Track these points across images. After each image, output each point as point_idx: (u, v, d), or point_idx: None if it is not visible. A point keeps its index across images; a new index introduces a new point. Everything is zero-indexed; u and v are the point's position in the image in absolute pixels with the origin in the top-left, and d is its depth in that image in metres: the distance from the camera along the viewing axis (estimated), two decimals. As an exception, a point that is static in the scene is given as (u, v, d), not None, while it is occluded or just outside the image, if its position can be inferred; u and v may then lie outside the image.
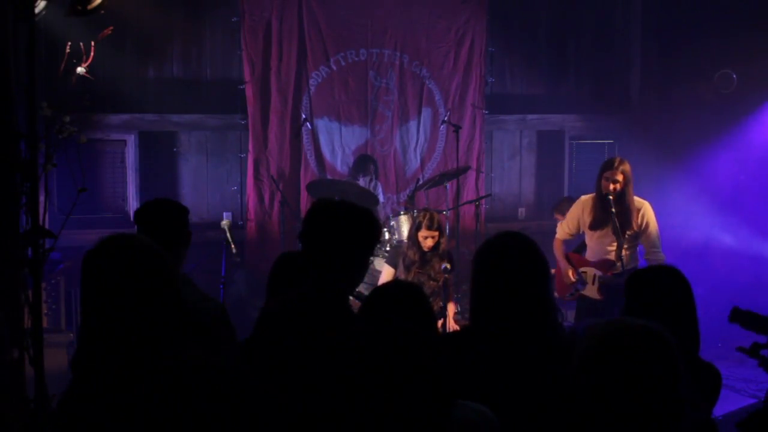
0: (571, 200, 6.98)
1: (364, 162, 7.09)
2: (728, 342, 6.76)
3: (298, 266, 2.96)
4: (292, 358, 2.19)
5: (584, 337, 1.82)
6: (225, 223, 5.66)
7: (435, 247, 5.03)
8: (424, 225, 4.98)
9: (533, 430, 2.22)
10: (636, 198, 5.11)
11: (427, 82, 7.60)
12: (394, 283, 2.25)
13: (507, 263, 2.33)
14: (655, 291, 2.58)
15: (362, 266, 2.40)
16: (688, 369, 1.80)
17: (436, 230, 4.98)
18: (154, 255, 1.82)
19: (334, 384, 1.95)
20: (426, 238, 4.99)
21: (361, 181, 6.97)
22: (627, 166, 5.07)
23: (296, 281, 2.83)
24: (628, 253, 5.11)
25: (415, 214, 5.38)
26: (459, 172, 6.73)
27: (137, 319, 1.74)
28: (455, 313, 5.22)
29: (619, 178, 5.02)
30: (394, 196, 7.53)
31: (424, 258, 5.05)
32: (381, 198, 7.24)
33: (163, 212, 2.99)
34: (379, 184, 7.31)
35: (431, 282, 5.05)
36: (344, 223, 2.33)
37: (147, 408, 1.73)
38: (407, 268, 5.06)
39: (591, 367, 1.75)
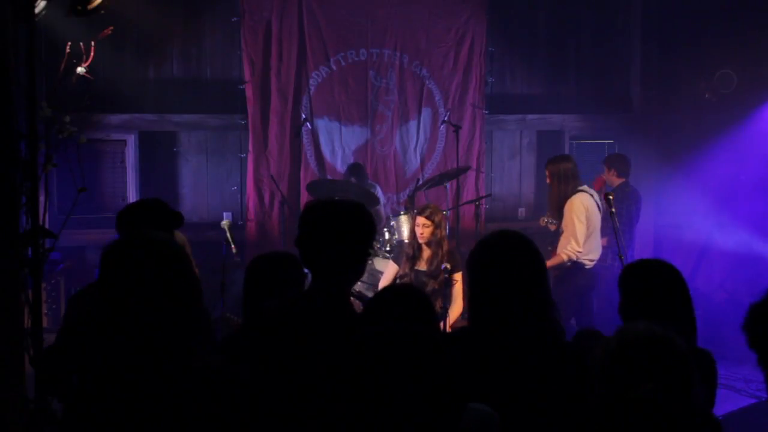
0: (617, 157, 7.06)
1: (359, 169, 7.08)
2: (728, 342, 6.78)
3: (274, 270, 2.98)
4: (292, 359, 2.18)
5: (598, 345, 1.83)
6: (225, 223, 5.66)
7: (431, 243, 5.06)
8: (417, 212, 5.10)
9: (532, 430, 2.21)
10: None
11: (427, 82, 7.60)
12: (396, 286, 2.23)
13: (501, 262, 2.31)
14: (648, 285, 2.59)
15: (360, 262, 2.38)
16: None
17: (429, 219, 5.03)
18: (183, 254, 1.79)
19: (336, 386, 1.94)
20: (418, 225, 5.03)
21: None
22: (551, 166, 5.61)
23: (277, 285, 2.85)
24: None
25: (415, 212, 5.43)
26: (459, 172, 6.73)
27: (160, 319, 1.70)
28: (460, 315, 5.22)
29: (547, 181, 5.67)
30: (394, 196, 7.53)
31: (420, 251, 5.10)
32: (382, 198, 7.23)
33: (143, 214, 2.96)
34: (377, 185, 7.29)
35: (432, 281, 5.07)
36: (336, 221, 2.31)
37: (163, 409, 1.69)
38: (409, 261, 5.14)
39: (603, 377, 1.76)
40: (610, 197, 5.01)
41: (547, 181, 5.68)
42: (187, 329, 1.75)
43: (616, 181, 6.81)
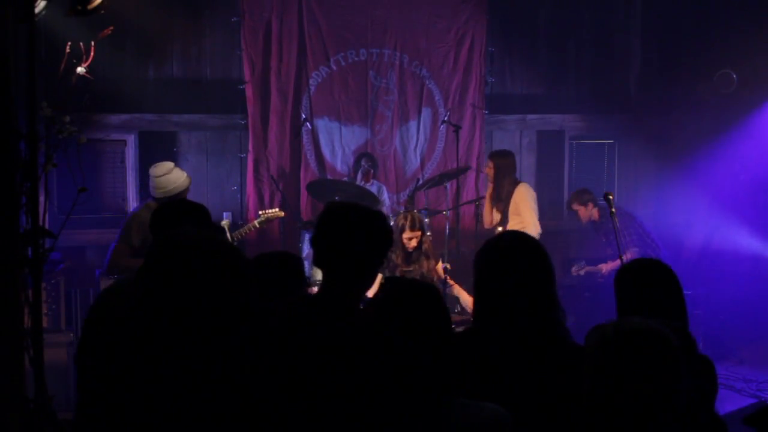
0: (584, 191, 7.02)
1: (359, 158, 7.12)
2: (728, 342, 6.78)
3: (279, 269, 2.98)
4: (296, 361, 2.17)
5: (591, 339, 1.85)
6: (225, 223, 5.67)
7: (418, 247, 5.19)
8: (407, 227, 5.14)
9: (539, 429, 2.21)
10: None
11: (427, 82, 7.60)
12: (410, 282, 2.21)
13: (510, 262, 2.31)
14: (643, 285, 2.62)
15: (374, 270, 2.35)
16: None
17: (418, 230, 5.16)
18: (241, 256, 1.71)
19: (327, 375, 1.93)
20: (410, 239, 5.12)
21: (359, 178, 6.98)
22: (498, 159, 6.31)
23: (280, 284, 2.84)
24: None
25: (401, 226, 5.46)
26: (459, 172, 6.73)
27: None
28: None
29: (489, 172, 6.32)
30: (394, 196, 7.53)
31: (409, 258, 5.18)
32: (387, 201, 7.22)
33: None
34: (383, 186, 7.27)
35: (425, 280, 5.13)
36: (356, 226, 2.27)
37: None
38: (392, 272, 5.16)
39: (597, 368, 1.78)
40: (611, 197, 4.99)
41: (491, 172, 6.31)
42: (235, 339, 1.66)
43: (596, 212, 6.88)
